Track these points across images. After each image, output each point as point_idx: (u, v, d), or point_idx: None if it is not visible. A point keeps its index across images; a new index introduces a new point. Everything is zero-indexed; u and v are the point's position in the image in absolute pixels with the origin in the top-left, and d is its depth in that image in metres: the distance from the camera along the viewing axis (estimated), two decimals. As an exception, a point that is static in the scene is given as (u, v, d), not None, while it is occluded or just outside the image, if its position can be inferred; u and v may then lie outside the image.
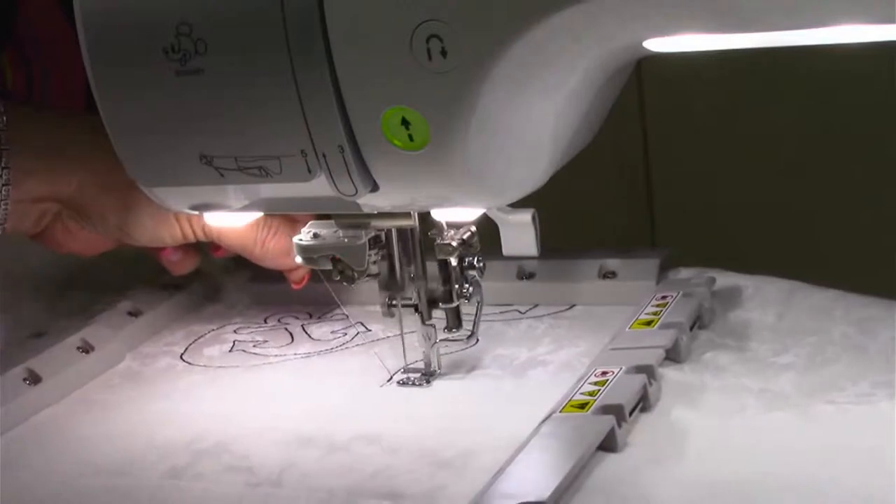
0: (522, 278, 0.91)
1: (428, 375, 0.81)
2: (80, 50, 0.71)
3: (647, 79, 1.35)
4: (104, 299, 0.94)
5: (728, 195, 1.37)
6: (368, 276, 0.80)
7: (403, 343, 0.82)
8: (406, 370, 0.81)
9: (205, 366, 0.88)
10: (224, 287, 0.99)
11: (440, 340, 0.81)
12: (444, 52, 0.64)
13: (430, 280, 0.80)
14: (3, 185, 0.80)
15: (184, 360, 0.89)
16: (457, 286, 0.79)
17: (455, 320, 0.80)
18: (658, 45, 0.67)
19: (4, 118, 0.79)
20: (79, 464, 0.75)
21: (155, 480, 0.72)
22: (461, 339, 0.81)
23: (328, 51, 0.66)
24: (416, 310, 0.80)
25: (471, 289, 0.79)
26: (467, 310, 0.81)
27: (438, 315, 0.80)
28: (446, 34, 0.64)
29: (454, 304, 0.79)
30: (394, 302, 0.81)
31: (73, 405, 0.83)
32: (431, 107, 0.66)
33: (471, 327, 0.80)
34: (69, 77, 1.14)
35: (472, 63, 0.64)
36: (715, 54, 0.67)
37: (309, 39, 0.66)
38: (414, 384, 0.80)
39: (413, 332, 0.81)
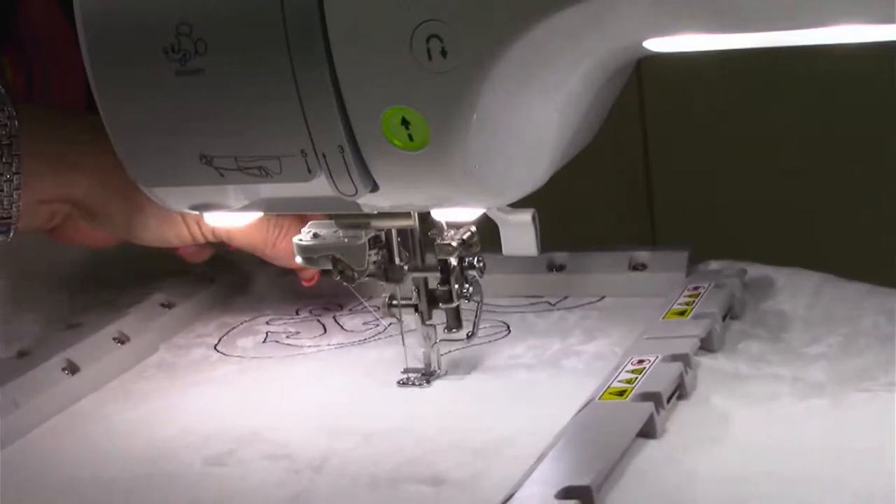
0: (552, 270, 0.92)
1: (428, 375, 0.81)
2: (80, 50, 0.71)
3: (647, 79, 1.35)
4: (137, 292, 0.95)
5: (728, 195, 1.37)
6: (368, 275, 0.80)
7: (404, 343, 0.82)
8: (406, 370, 0.82)
9: (239, 356, 0.88)
10: (255, 279, 1.00)
11: (440, 340, 0.81)
12: (444, 52, 0.64)
13: (429, 279, 0.80)
14: (14, 188, 0.80)
15: (218, 351, 0.89)
16: (457, 286, 0.79)
17: (455, 320, 0.80)
18: (658, 45, 0.67)
19: (16, 123, 0.80)
20: (120, 450, 0.77)
21: (197, 467, 0.73)
22: (461, 339, 0.81)
23: (328, 51, 0.66)
24: (416, 310, 0.80)
25: (471, 288, 0.79)
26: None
27: (438, 314, 0.81)
28: (446, 34, 0.64)
29: (454, 304, 0.80)
30: (394, 302, 0.81)
31: (111, 394, 0.84)
32: (431, 107, 0.66)
33: (471, 327, 0.81)
34: (69, 77, 1.14)
35: (472, 63, 0.64)
36: (715, 54, 0.67)
37: (309, 39, 0.66)
38: (414, 384, 0.80)
39: (413, 328, 0.82)
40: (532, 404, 0.76)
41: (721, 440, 0.69)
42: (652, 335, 0.79)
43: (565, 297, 0.91)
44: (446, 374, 0.81)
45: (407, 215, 0.77)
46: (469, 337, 0.81)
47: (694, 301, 0.83)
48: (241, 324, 0.94)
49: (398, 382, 0.81)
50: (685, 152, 1.39)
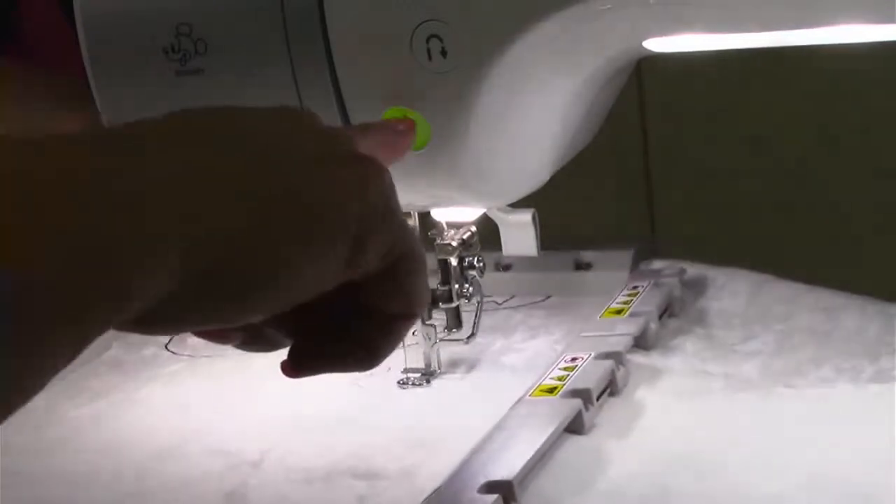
0: (500, 270, 0.93)
1: (428, 375, 0.81)
2: (80, 50, 0.71)
3: (647, 79, 1.34)
4: None
5: (728, 195, 1.37)
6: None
7: (404, 343, 0.82)
8: (406, 370, 0.81)
9: (189, 355, 0.89)
10: None
11: (440, 340, 0.81)
12: (444, 52, 0.64)
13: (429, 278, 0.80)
14: None
15: (168, 350, 0.90)
16: (457, 286, 0.79)
17: (455, 320, 0.80)
18: (658, 45, 0.67)
19: None
20: (68, 445, 0.78)
21: (141, 461, 0.74)
22: (461, 340, 0.81)
23: (328, 51, 0.66)
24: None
25: (471, 288, 0.79)
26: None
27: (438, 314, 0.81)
28: (446, 34, 0.64)
29: (454, 304, 0.80)
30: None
31: (61, 391, 0.85)
32: (431, 107, 0.66)
33: (471, 327, 0.81)
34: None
35: (472, 63, 0.64)
36: (715, 54, 0.67)
37: (309, 39, 0.66)
38: (413, 384, 0.80)
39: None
40: (469, 401, 0.77)
41: (647, 435, 0.70)
42: (587, 333, 0.80)
43: (512, 297, 0.92)
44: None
45: (407, 215, 0.77)
46: (469, 337, 0.81)
47: (632, 300, 0.84)
48: None
49: (398, 382, 0.81)
50: (685, 152, 1.39)
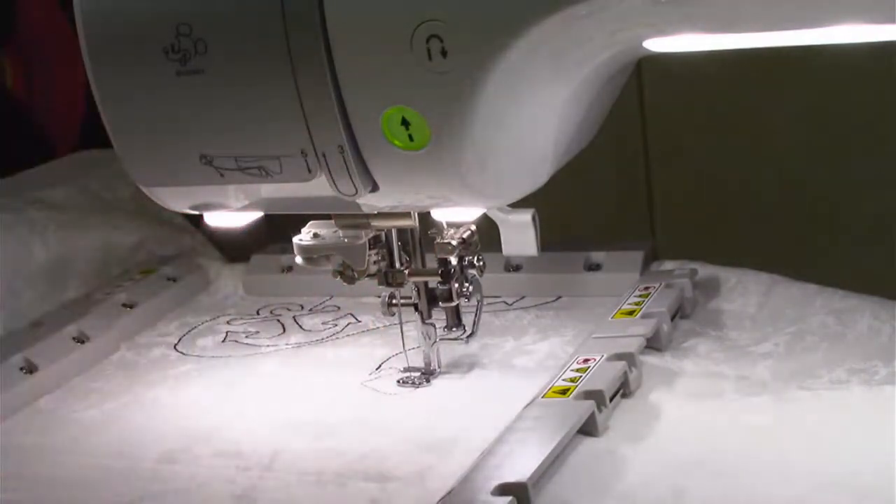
0: (510, 270, 0.93)
1: (428, 374, 0.81)
2: (80, 50, 0.71)
3: (647, 79, 1.34)
4: (100, 291, 0.96)
5: (728, 195, 1.37)
6: (368, 275, 0.80)
7: (404, 343, 0.82)
8: (406, 369, 0.82)
9: (198, 356, 0.89)
10: (218, 279, 1.01)
11: (440, 339, 0.81)
12: (444, 52, 0.64)
13: (429, 279, 0.80)
14: None
15: (177, 351, 0.90)
16: (457, 285, 0.79)
17: (455, 319, 0.80)
18: (658, 45, 0.67)
19: None
20: (76, 448, 0.77)
21: (150, 464, 0.74)
22: (461, 339, 0.81)
23: (328, 51, 0.66)
24: (416, 308, 0.80)
25: (471, 287, 0.80)
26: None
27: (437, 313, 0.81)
28: (446, 34, 0.64)
29: (454, 303, 0.80)
30: (394, 300, 0.81)
31: (69, 393, 0.85)
32: (431, 107, 0.66)
33: (471, 326, 0.81)
34: (69, 77, 1.14)
35: (472, 63, 0.64)
36: (715, 54, 0.67)
37: (309, 39, 0.66)
38: (414, 383, 0.80)
39: (408, 321, 0.82)
40: (481, 402, 0.77)
41: (661, 436, 0.70)
42: (600, 335, 0.80)
43: (522, 297, 0.92)
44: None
45: (407, 215, 0.77)
46: (469, 337, 0.81)
47: (644, 301, 0.84)
48: (203, 323, 0.94)
49: (398, 381, 0.81)
50: (685, 152, 1.39)
